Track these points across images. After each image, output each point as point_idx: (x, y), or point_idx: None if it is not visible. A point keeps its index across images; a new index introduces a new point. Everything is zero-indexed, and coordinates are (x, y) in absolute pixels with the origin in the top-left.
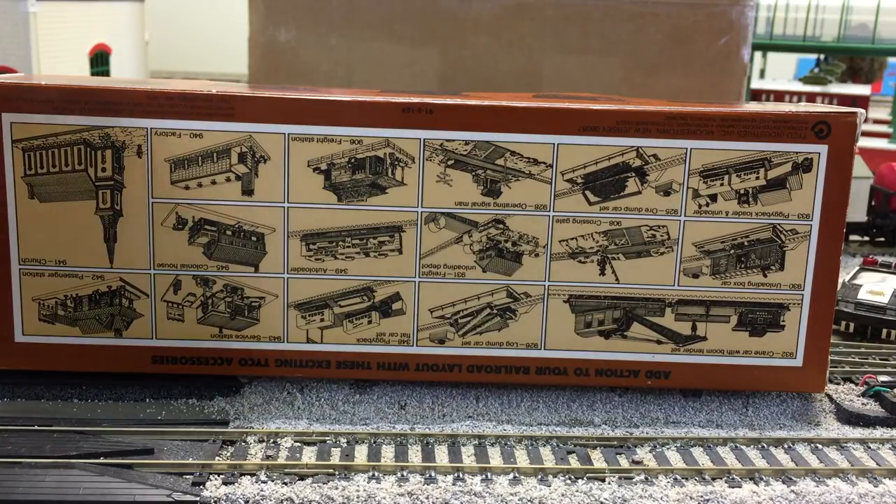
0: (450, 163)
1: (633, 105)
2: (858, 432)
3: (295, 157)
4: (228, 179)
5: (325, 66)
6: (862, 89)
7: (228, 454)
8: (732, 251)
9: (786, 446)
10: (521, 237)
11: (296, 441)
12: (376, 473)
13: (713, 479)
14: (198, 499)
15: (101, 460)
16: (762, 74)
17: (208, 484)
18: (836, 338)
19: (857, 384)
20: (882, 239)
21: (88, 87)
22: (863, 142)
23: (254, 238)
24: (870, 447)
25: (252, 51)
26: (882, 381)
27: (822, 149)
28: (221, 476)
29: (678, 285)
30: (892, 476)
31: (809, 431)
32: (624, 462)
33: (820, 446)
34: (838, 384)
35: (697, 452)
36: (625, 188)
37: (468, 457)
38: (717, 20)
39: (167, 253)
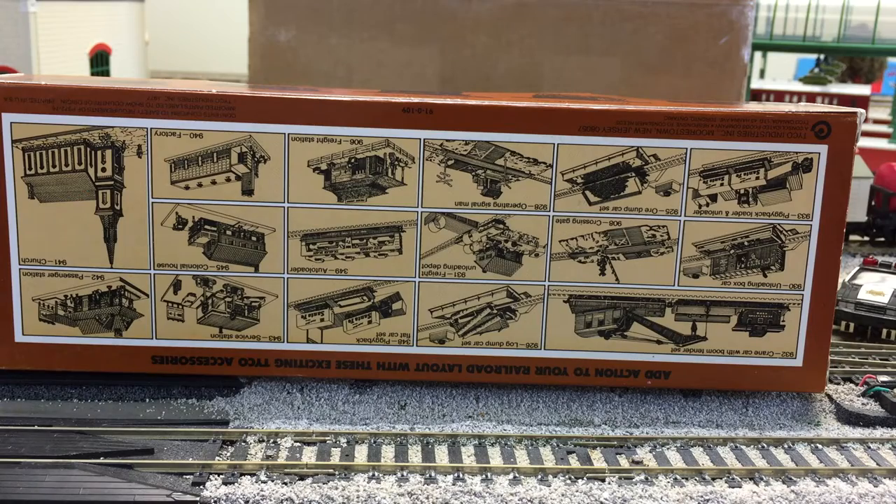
0: (450, 163)
1: (633, 105)
2: (858, 432)
3: (295, 157)
4: (228, 179)
5: (325, 66)
6: (862, 89)
7: (228, 454)
8: (732, 251)
9: (786, 446)
10: (521, 237)
11: (296, 441)
12: (376, 473)
13: (713, 479)
14: (198, 499)
15: (101, 460)
16: (762, 74)
17: (208, 484)
18: (836, 338)
19: (857, 384)
20: (882, 239)
21: (88, 87)
22: (863, 142)
23: (254, 238)
24: (870, 447)
25: (252, 51)
26: (882, 381)
27: (822, 149)
28: (221, 476)
29: (678, 285)
30: (892, 476)
31: (809, 431)
32: (624, 462)
33: (820, 446)
34: (838, 384)
35: (697, 452)
36: (625, 188)
37: (468, 457)
38: (717, 20)
39: (167, 253)
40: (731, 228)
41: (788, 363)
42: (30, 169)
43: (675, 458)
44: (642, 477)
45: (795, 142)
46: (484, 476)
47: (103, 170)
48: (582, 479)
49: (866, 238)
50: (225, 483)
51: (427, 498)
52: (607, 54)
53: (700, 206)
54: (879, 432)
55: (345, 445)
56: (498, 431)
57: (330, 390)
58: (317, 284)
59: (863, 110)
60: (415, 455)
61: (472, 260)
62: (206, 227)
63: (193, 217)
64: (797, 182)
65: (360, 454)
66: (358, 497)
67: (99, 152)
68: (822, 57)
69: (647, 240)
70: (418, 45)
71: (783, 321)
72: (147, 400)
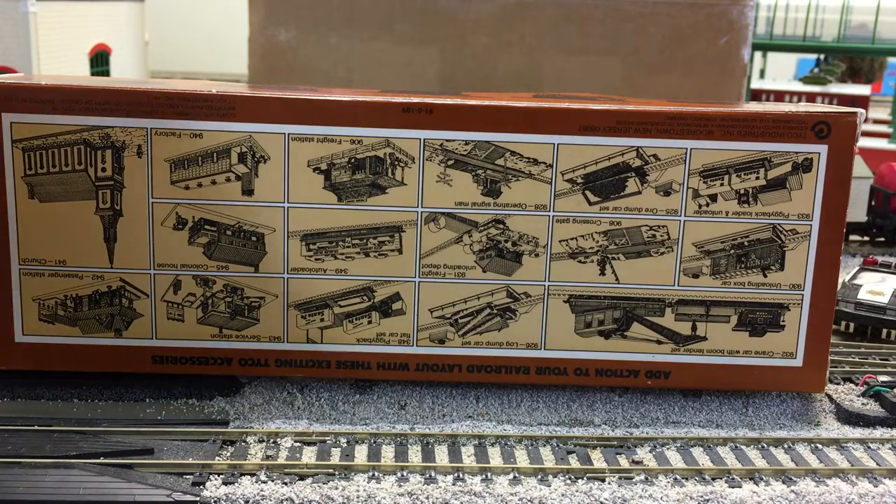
0: (450, 163)
1: (633, 105)
2: (858, 432)
3: (295, 157)
4: (228, 179)
5: (325, 66)
6: (862, 89)
7: (228, 454)
8: (732, 251)
9: (786, 446)
10: (521, 237)
11: (296, 441)
12: (376, 473)
13: (713, 479)
14: (198, 499)
15: (101, 460)
16: (762, 74)
17: (208, 484)
18: (836, 338)
19: (857, 384)
20: (882, 239)
21: (88, 87)
22: (863, 142)
23: (254, 238)
24: (870, 447)
25: (252, 51)
26: (882, 381)
27: (822, 149)
28: (221, 476)
29: (678, 285)
30: (892, 476)
31: (809, 431)
32: (624, 462)
33: (820, 446)
34: (838, 384)
35: (697, 452)
36: (625, 188)
37: (468, 457)
38: (717, 20)
39: (167, 253)
40: (731, 228)
41: (788, 363)
42: (30, 169)
43: (675, 458)
44: (642, 477)
45: (795, 142)
46: (484, 476)
47: (103, 170)
48: (582, 479)
49: (866, 238)
50: (225, 483)
51: (427, 498)
52: (607, 54)
53: (700, 206)
54: (879, 432)
55: (345, 445)
56: (498, 431)
57: (330, 390)
58: (317, 284)
59: (863, 110)
60: (415, 455)
61: (472, 260)
62: (206, 227)
63: (193, 217)
64: (797, 182)
65: (360, 454)
66: (358, 497)
67: (99, 152)
68: (822, 57)
69: (647, 240)
70: (418, 45)
71: (783, 321)
72: (147, 400)
